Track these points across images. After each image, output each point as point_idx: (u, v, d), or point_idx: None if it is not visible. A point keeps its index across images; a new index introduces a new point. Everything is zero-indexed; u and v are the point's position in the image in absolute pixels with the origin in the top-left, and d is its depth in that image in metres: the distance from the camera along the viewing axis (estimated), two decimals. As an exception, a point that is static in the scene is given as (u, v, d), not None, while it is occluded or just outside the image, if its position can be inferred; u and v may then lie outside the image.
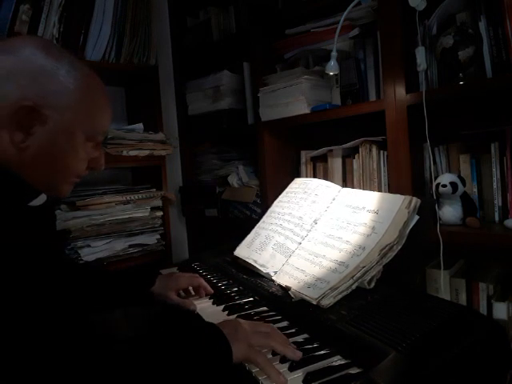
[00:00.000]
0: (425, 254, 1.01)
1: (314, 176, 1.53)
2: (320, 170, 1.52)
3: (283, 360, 0.68)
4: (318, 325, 0.77)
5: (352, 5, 1.20)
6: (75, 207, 1.43)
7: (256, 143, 1.59)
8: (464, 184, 1.11)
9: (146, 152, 1.58)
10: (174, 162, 1.94)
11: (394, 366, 0.60)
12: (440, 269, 1.07)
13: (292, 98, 1.41)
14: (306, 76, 1.37)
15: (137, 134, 1.57)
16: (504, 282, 1.09)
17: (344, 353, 0.69)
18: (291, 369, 0.65)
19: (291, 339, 0.74)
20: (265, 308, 0.91)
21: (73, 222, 1.42)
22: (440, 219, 1.11)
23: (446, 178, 1.11)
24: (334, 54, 1.24)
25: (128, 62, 1.57)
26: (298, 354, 0.68)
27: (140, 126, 1.61)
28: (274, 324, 0.80)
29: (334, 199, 1.09)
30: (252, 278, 1.05)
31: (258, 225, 1.24)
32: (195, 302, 0.97)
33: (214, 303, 0.97)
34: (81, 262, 1.39)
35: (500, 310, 1.02)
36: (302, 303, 0.86)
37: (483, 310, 1.06)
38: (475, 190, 1.16)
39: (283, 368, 0.66)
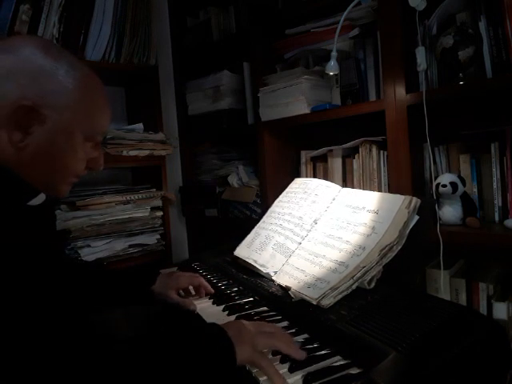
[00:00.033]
0: (425, 254, 1.01)
1: (314, 176, 1.53)
2: (320, 170, 1.52)
3: (283, 360, 0.68)
4: (318, 325, 0.77)
5: (352, 5, 1.20)
6: (75, 207, 1.43)
7: (256, 143, 1.59)
8: (464, 184, 1.11)
9: (146, 152, 1.58)
10: (174, 162, 1.94)
11: (394, 366, 0.60)
12: (440, 269, 1.07)
13: (292, 98, 1.41)
14: (305, 76, 1.37)
15: (137, 133, 1.57)
16: (504, 282, 1.09)
17: (344, 353, 0.69)
18: (291, 369, 0.65)
19: (291, 339, 0.74)
20: (265, 308, 0.91)
21: (73, 222, 1.43)
22: (440, 219, 1.11)
23: (445, 178, 1.11)
24: (333, 53, 1.24)
25: (128, 62, 1.57)
26: (302, 354, 0.68)
27: (140, 126, 1.61)
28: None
29: (334, 199, 1.09)
30: (252, 278, 1.05)
31: (258, 225, 1.24)
32: (195, 302, 0.97)
33: (214, 303, 0.97)
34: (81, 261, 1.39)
35: (500, 310, 1.02)
36: (302, 303, 0.86)
37: (483, 310, 1.06)
38: (475, 190, 1.16)
39: (283, 368, 0.66)
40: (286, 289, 0.94)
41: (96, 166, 0.80)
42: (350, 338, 0.70)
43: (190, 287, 1.05)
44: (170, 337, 0.66)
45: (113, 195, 1.53)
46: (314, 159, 1.54)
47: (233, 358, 0.64)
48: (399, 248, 0.86)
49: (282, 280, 0.97)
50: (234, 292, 1.03)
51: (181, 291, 1.03)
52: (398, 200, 0.94)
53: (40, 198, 0.74)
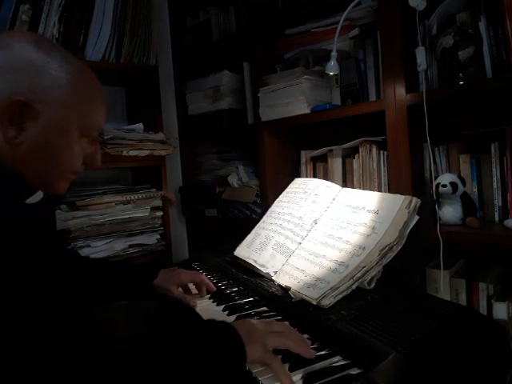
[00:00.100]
0: (425, 254, 1.01)
1: (314, 176, 1.53)
2: (320, 170, 1.52)
3: (284, 360, 0.68)
4: (318, 325, 0.77)
5: (352, 5, 1.20)
6: (75, 207, 1.43)
7: (256, 143, 1.59)
8: (464, 184, 1.11)
9: (146, 152, 1.58)
10: (174, 162, 1.95)
11: (394, 367, 0.60)
12: (440, 269, 1.07)
13: (292, 98, 1.41)
14: (305, 76, 1.37)
15: (137, 134, 1.57)
16: (504, 282, 1.09)
17: (344, 353, 0.69)
18: (291, 369, 0.65)
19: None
20: (265, 308, 0.91)
21: (73, 222, 1.43)
22: (440, 219, 1.11)
23: (445, 178, 1.11)
24: (333, 54, 1.24)
25: (128, 62, 1.57)
26: (312, 353, 0.68)
27: (140, 126, 1.61)
28: (274, 324, 0.79)
29: (334, 199, 1.09)
30: (252, 278, 1.05)
31: (258, 225, 1.24)
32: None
33: (213, 303, 0.97)
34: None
35: (500, 310, 1.02)
36: (302, 303, 0.86)
37: (483, 310, 1.06)
38: (475, 189, 1.16)
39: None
40: (286, 289, 0.94)
41: (93, 162, 0.79)
42: (350, 338, 0.70)
43: (192, 286, 1.05)
44: (180, 335, 0.65)
45: (113, 195, 1.53)
46: (314, 159, 1.54)
47: (243, 358, 0.64)
48: (399, 248, 0.86)
49: (282, 280, 0.97)
50: (234, 292, 1.03)
51: (180, 289, 1.03)
52: (398, 200, 0.94)
53: (38, 196, 0.73)
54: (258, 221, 1.26)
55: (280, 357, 0.68)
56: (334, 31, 1.25)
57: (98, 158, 0.80)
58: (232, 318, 0.86)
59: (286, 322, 0.77)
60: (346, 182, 1.43)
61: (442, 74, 1.16)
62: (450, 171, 1.20)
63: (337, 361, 0.68)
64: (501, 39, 1.02)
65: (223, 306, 0.94)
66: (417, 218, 0.91)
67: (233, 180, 1.74)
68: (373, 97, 1.31)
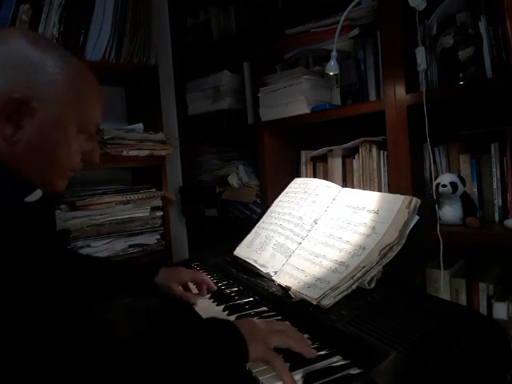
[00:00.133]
0: (425, 254, 1.01)
1: (314, 176, 1.53)
2: (320, 170, 1.52)
3: (284, 359, 0.68)
4: (318, 325, 0.77)
5: (352, 5, 1.20)
6: (75, 207, 1.43)
7: (256, 143, 1.59)
8: (464, 184, 1.11)
9: (146, 152, 1.58)
10: (174, 162, 1.95)
11: (394, 367, 0.60)
12: (440, 269, 1.07)
13: (292, 98, 1.41)
14: (306, 76, 1.37)
15: (137, 133, 1.57)
16: (504, 282, 1.09)
17: (344, 353, 0.69)
18: (292, 369, 0.65)
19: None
20: (265, 308, 0.91)
21: (73, 222, 1.43)
22: (440, 219, 1.11)
23: (445, 178, 1.11)
24: (334, 54, 1.24)
25: (128, 62, 1.57)
26: (313, 353, 0.68)
27: (140, 126, 1.61)
28: (274, 324, 0.79)
29: (334, 199, 1.09)
30: (252, 278, 1.05)
31: (257, 225, 1.24)
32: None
33: (214, 303, 0.97)
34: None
35: (500, 310, 1.02)
36: (302, 303, 0.85)
37: (483, 310, 1.06)
38: (475, 189, 1.16)
39: (283, 368, 0.66)
40: (286, 289, 0.94)
41: (91, 159, 0.79)
42: (350, 338, 0.70)
43: (192, 285, 1.05)
44: (181, 333, 0.65)
45: (113, 195, 1.53)
46: (314, 159, 1.54)
47: (245, 356, 0.64)
48: (399, 248, 0.86)
49: (282, 280, 0.97)
50: (233, 292, 1.03)
51: (181, 288, 1.03)
52: (398, 200, 0.94)
53: (36, 195, 0.72)
54: (257, 221, 1.26)
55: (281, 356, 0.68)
56: (334, 31, 1.25)
57: (97, 155, 0.80)
58: (232, 318, 0.86)
59: (287, 322, 0.77)
60: (346, 182, 1.43)
61: (442, 73, 1.16)
62: (450, 171, 1.20)
63: (337, 361, 0.68)
64: (501, 39, 1.02)
65: (223, 305, 0.94)
66: (417, 218, 0.91)
67: (233, 180, 1.74)
68: (373, 97, 1.31)
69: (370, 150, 1.33)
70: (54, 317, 0.58)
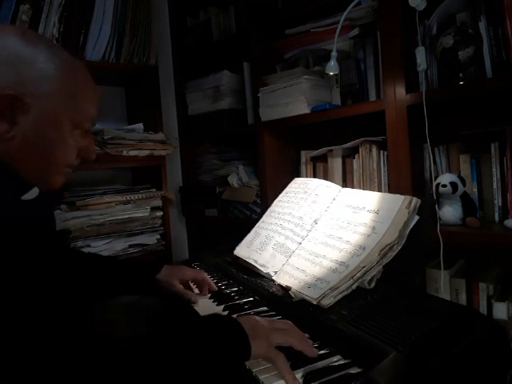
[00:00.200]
0: (425, 254, 1.01)
1: (314, 176, 1.53)
2: (320, 170, 1.52)
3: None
4: (318, 325, 0.77)
5: (352, 5, 1.20)
6: (75, 207, 1.43)
7: (256, 143, 1.59)
8: (464, 184, 1.11)
9: (146, 152, 1.58)
10: (174, 162, 1.95)
11: (394, 366, 0.60)
12: (440, 269, 1.07)
13: (292, 98, 1.41)
14: (306, 76, 1.37)
15: (137, 133, 1.57)
16: (504, 282, 1.09)
17: (344, 352, 0.69)
18: (292, 368, 0.65)
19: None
20: (265, 308, 0.91)
21: (73, 222, 1.43)
22: (440, 219, 1.11)
23: (445, 178, 1.11)
24: (334, 53, 1.24)
25: (128, 62, 1.57)
26: (314, 352, 0.68)
27: (140, 126, 1.61)
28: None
29: (334, 199, 1.09)
30: (252, 278, 1.05)
31: (257, 224, 1.24)
32: (195, 300, 0.98)
33: (214, 303, 0.97)
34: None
35: (500, 310, 1.02)
36: (303, 303, 0.86)
37: (483, 310, 1.06)
38: (475, 189, 1.16)
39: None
40: (286, 289, 0.94)
41: (88, 155, 0.79)
42: (350, 338, 0.70)
43: (192, 285, 1.06)
44: (183, 330, 0.65)
45: (113, 195, 1.53)
46: (314, 159, 1.54)
47: (248, 352, 0.63)
48: (399, 248, 0.86)
49: (282, 280, 0.97)
50: (234, 292, 1.03)
51: (182, 286, 1.03)
52: (398, 200, 0.94)
53: (33, 193, 0.72)
54: (257, 221, 1.26)
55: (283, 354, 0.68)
56: (334, 31, 1.25)
57: (93, 151, 0.80)
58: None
59: (289, 321, 0.77)
60: (346, 182, 1.43)
61: (442, 73, 1.16)
62: (450, 171, 1.20)
63: (337, 360, 0.68)
64: (501, 39, 1.02)
65: (223, 305, 0.94)
66: (417, 217, 0.91)
67: (233, 180, 1.74)
68: (373, 97, 1.31)
69: (370, 150, 1.33)
70: (52, 317, 0.57)
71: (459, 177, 1.12)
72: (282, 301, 0.90)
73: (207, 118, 1.80)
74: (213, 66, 1.78)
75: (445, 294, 1.09)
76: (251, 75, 1.61)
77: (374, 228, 0.92)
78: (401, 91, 1.15)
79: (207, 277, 1.04)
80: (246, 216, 1.68)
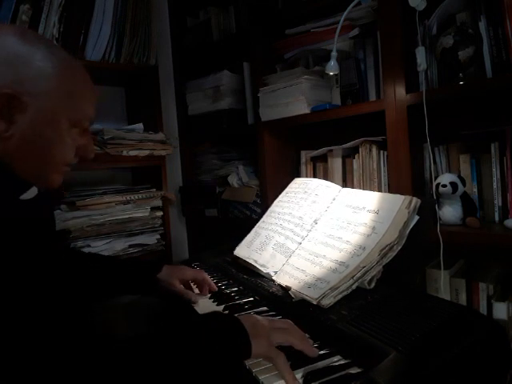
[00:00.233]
0: (425, 254, 1.01)
1: (314, 176, 1.53)
2: (320, 170, 1.52)
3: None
4: (318, 325, 0.77)
5: (352, 5, 1.20)
6: (75, 207, 1.43)
7: (256, 143, 1.59)
8: (464, 184, 1.11)
9: (146, 152, 1.58)
10: (174, 162, 1.95)
11: (394, 366, 0.60)
12: (440, 269, 1.07)
13: (292, 98, 1.41)
14: (306, 76, 1.37)
15: (137, 133, 1.57)
16: (504, 282, 1.09)
17: (344, 353, 0.69)
18: (292, 368, 0.65)
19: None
20: (265, 308, 0.91)
21: (73, 222, 1.43)
22: (440, 219, 1.11)
23: (445, 178, 1.11)
24: (334, 53, 1.24)
25: (128, 62, 1.57)
26: (315, 352, 0.68)
27: (140, 126, 1.61)
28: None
29: (334, 199, 1.09)
30: (252, 278, 1.05)
31: (257, 224, 1.24)
32: (195, 300, 0.98)
33: (214, 303, 0.97)
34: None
35: (500, 310, 1.02)
36: (303, 303, 0.86)
37: (483, 310, 1.06)
38: (475, 189, 1.16)
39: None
40: (286, 289, 0.94)
41: (86, 154, 0.78)
42: (350, 338, 0.70)
43: (193, 285, 1.06)
44: (183, 328, 0.65)
45: (113, 195, 1.53)
46: (314, 159, 1.54)
47: (248, 351, 0.63)
48: (399, 248, 0.86)
49: (282, 280, 0.97)
50: (234, 292, 1.03)
51: (182, 286, 1.03)
52: (398, 200, 0.94)
53: (32, 192, 0.71)
54: (257, 221, 1.26)
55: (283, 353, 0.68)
56: (334, 31, 1.25)
57: (91, 149, 0.80)
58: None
59: (289, 320, 0.77)
60: (346, 182, 1.43)
61: (442, 74, 1.16)
62: (450, 171, 1.20)
63: (337, 360, 0.68)
64: (501, 39, 1.02)
65: (223, 305, 0.94)
66: (417, 217, 0.91)
67: (233, 180, 1.74)
68: (373, 97, 1.31)
69: (370, 150, 1.33)
70: (52, 317, 0.57)
71: (459, 177, 1.12)
72: (282, 301, 0.90)
73: (207, 117, 1.80)
74: (213, 66, 1.78)
75: (445, 294, 1.09)
76: (251, 75, 1.61)
77: (373, 228, 0.92)
78: (401, 91, 1.15)
79: (207, 277, 1.04)
80: (246, 216, 1.68)
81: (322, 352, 0.70)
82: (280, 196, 1.28)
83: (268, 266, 1.04)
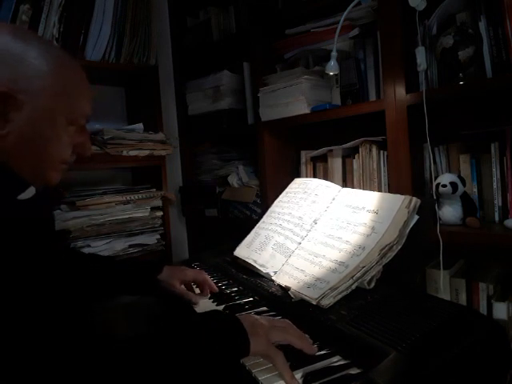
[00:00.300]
0: (425, 254, 1.01)
1: (314, 176, 1.53)
2: (320, 170, 1.52)
3: (284, 359, 0.68)
4: (317, 325, 0.77)
5: (352, 5, 1.20)
6: (75, 207, 1.43)
7: (256, 143, 1.59)
8: (464, 184, 1.11)
9: (146, 152, 1.58)
10: (174, 162, 1.95)
11: (393, 366, 0.60)
12: (440, 269, 1.07)
13: (292, 98, 1.41)
14: (306, 76, 1.37)
15: (137, 133, 1.57)
16: (504, 282, 1.09)
17: (344, 353, 0.69)
18: (291, 368, 0.65)
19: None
20: (265, 308, 0.91)
21: (73, 222, 1.43)
22: (440, 219, 1.11)
23: (445, 178, 1.11)
24: (334, 54, 1.24)
25: (128, 62, 1.57)
26: (314, 350, 0.68)
27: (140, 126, 1.61)
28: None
29: (333, 199, 1.09)
30: (252, 278, 1.05)
31: (257, 225, 1.24)
32: (196, 301, 0.98)
33: (214, 303, 0.97)
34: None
35: (500, 310, 1.02)
36: (302, 303, 0.86)
37: (483, 310, 1.06)
38: (475, 189, 1.16)
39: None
40: (285, 289, 0.94)
41: (84, 152, 0.78)
42: (349, 338, 0.70)
43: (194, 286, 1.06)
44: (182, 326, 0.65)
45: (113, 195, 1.53)
46: (314, 159, 1.54)
47: (247, 349, 0.64)
48: (399, 248, 0.86)
49: (282, 280, 0.97)
50: (233, 292, 1.03)
51: (183, 286, 1.03)
52: (398, 200, 0.94)
53: (30, 192, 0.71)
54: (257, 221, 1.26)
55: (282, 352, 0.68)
56: (334, 31, 1.25)
57: (89, 147, 0.79)
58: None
59: (287, 320, 0.77)
60: (346, 182, 1.42)
61: (442, 74, 1.16)
62: (450, 171, 1.20)
63: (336, 360, 0.68)
64: (501, 39, 1.02)
65: (223, 305, 0.94)
66: (416, 217, 0.91)
67: (233, 180, 1.74)
68: (373, 97, 1.31)
69: (370, 150, 1.33)
70: (52, 317, 0.57)
71: (459, 177, 1.12)
72: (281, 301, 0.90)
73: (207, 117, 1.80)
74: (213, 66, 1.78)
75: (445, 294, 1.09)
76: (251, 75, 1.61)
77: (373, 228, 0.92)
78: (401, 91, 1.15)
79: (208, 278, 1.04)
80: (246, 216, 1.68)
81: (321, 352, 0.70)
82: (280, 196, 1.28)
83: (267, 266, 1.04)
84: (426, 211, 0.96)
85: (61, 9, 1.37)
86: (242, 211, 1.70)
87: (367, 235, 0.92)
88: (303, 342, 0.69)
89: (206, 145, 1.95)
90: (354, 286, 0.83)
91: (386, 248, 0.86)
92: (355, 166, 1.38)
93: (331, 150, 1.46)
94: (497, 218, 1.12)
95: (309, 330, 0.77)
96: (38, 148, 0.70)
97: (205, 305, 0.97)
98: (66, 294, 0.78)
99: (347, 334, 0.71)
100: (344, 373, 0.64)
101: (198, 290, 1.06)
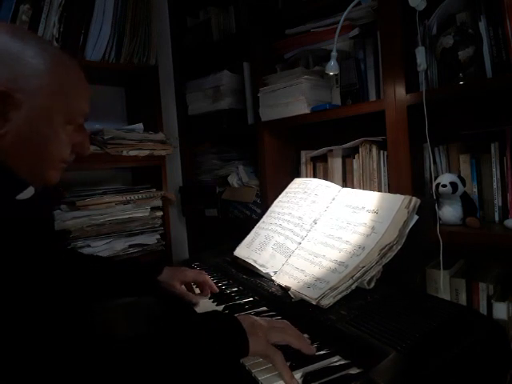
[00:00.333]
0: (425, 254, 1.01)
1: (314, 176, 1.53)
2: (320, 170, 1.52)
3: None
4: (317, 325, 0.77)
5: (352, 5, 1.20)
6: (75, 207, 1.43)
7: (256, 143, 1.59)
8: (464, 184, 1.11)
9: (146, 152, 1.58)
10: (174, 162, 1.95)
11: (393, 366, 0.60)
12: (440, 269, 1.07)
13: (292, 98, 1.41)
14: (306, 76, 1.37)
15: (137, 133, 1.57)
16: (504, 282, 1.09)
17: (344, 353, 0.69)
18: (291, 369, 0.65)
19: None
20: (265, 308, 0.91)
21: (73, 222, 1.42)
22: (440, 219, 1.11)
23: (446, 178, 1.11)
24: (334, 54, 1.24)
25: (128, 62, 1.57)
26: (312, 350, 0.69)
27: (140, 126, 1.61)
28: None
29: (333, 199, 1.09)
30: (252, 278, 1.05)
31: (257, 225, 1.24)
32: (196, 301, 0.98)
33: (213, 303, 0.97)
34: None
35: (500, 310, 1.02)
36: (302, 303, 0.86)
37: (483, 310, 1.06)
38: (475, 189, 1.16)
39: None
40: (285, 289, 0.94)
41: (83, 150, 0.78)
42: (349, 338, 0.70)
43: (194, 286, 1.06)
44: (182, 326, 0.65)
45: (113, 195, 1.53)
46: (314, 159, 1.54)
47: (246, 349, 0.64)
48: (399, 248, 0.86)
49: (282, 280, 0.97)
50: (233, 292, 1.03)
51: (183, 287, 1.03)
52: (398, 200, 0.94)
53: (29, 192, 0.71)
54: (257, 221, 1.26)
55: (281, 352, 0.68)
56: (334, 31, 1.25)
57: (87, 146, 0.79)
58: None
59: (286, 321, 0.77)
60: (346, 182, 1.42)
61: (442, 73, 1.16)
62: (450, 171, 1.20)
63: (336, 360, 0.68)
64: (501, 39, 1.02)
65: (223, 305, 0.94)
66: (416, 217, 0.91)
67: (233, 180, 1.74)
68: (373, 97, 1.31)
69: (370, 150, 1.33)
70: (52, 317, 0.57)
71: (459, 177, 1.12)
72: (281, 301, 0.90)
73: (207, 117, 1.80)
74: (213, 66, 1.78)
75: (445, 294, 1.09)
76: (251, 75, 1.61)
77: (373, 228, 0.92)
78: (401, 91, 1.15)
79: (208, 278, 1.04)
80: (246, 216, 1.68)
81: (321, 352, 0.70)
82: (280, 196, 1.28)
83: (267, 266, 1.04)
84: (426, 211, 0.96)
85: (61, 9, 1.37)
86: (242, 211, 1.70)
87: (367, 235, 0.92)
88: (301, 343, 0.69)
89: (206, 145, 1.95)
90: (353, 286, 0.83)
91: (386, 248, 0.86)
92: (355, 166, 1.38)
93: (331, 150, 1.46)
94: (497, 218, 1.12)
95: (309, 329, 0.77)
96: (36, 147, 0.70)
97: (205, 305, 0.97)
98: (66, 294, 0.78)
99: (347, 333, 0.71)
100: (344, 373, 0.64)
101: (198, 291, 1.06)
